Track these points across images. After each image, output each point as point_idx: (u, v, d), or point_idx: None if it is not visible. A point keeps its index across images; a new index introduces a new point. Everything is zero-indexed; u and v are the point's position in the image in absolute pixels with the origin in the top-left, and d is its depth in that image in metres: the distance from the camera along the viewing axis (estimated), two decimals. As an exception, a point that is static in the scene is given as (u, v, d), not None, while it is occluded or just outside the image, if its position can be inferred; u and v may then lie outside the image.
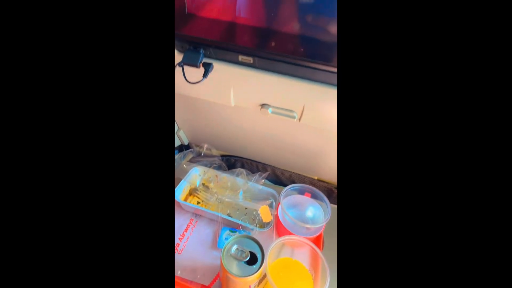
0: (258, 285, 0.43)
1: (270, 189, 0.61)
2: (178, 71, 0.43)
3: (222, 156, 0.75)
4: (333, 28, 0.34)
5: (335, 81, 0.41)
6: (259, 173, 0.62)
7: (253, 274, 0.39)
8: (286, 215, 0.52)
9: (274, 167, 0.73)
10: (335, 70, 0.38)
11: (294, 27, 0.36)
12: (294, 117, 0.48)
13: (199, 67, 0.42)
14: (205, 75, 0.43)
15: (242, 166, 0.75)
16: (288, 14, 0.35)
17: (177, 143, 0.76)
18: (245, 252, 0.41)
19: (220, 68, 0.45)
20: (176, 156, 0.67)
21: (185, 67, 0.43)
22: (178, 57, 0.44)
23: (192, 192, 0.62)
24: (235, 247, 0.41)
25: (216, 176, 0.64)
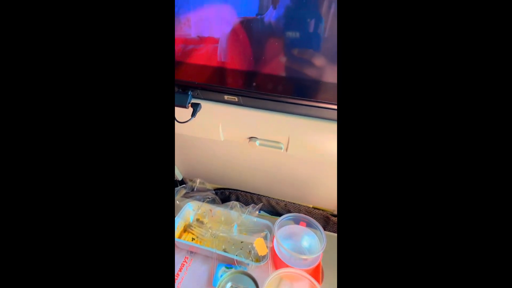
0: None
1: (265, 221, 0.61)
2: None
3: (216, 189, 0.76)
4: (312, 67, 0.38)
5: (315, 113, 0.43)
6: (252, 204, 0.62)
7: (248, 313, 0.38)
8: (281, 247, 0.51)
9: (269, 197, 0.73)
10: (314, 104, 0.40)
11: (274, 69, 0.39)
12: (281, 148, 0.50)
13: (187, 107, 0.45)
14: (193, 114, 0.46)
15: (237, 199, 0.75)
16: (269, 58, 0.39)
17: (171, 179, 0.77)
18: (239, 289, 0.40)
19: (208, 107, 0.48)
20: (170, 193, 0.67)
21: (176, 108, 0.46)
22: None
23: (187, 229, 0.61)
24: (229, 284, 0.41)
25: (210, 210, 0.63)
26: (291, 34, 0.36)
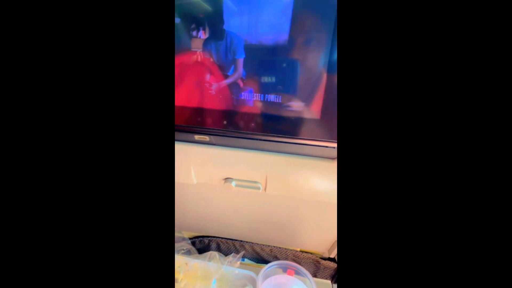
0: None
1: (248, 272, 0.54)
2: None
3: (194, 237, 0.69)
4: (289, 107, 0.36)
5: (293, 150, 0.41)
6: (233, 254, 0.56)
7: None
8: (266, 304, 0.44)
9: (253, 243, 0.67)
10: (291, 140, 0.39)
11: (247, 106, 0.38)
12: (259, 188, 0.46)
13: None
14: (161, 157, 0.42)
15: (217, 246, 0.68)
16: (237, 95, 0.38)
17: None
18: None
19: (177, 148, 0.45)
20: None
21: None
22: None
23: None
24: None
25: (186, 263, 0.56)
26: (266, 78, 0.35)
